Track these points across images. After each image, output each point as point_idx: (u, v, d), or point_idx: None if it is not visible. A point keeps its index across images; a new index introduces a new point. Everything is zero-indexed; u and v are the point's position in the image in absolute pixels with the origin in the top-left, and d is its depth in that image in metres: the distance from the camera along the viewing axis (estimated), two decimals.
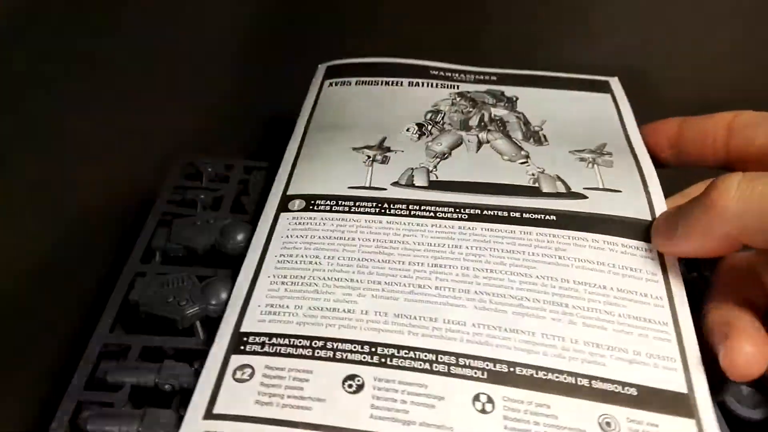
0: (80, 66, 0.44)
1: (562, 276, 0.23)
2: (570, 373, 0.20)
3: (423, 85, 0.33)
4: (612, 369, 0.21)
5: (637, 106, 0.32)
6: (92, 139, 0.39)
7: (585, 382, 0.20)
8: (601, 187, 0.27)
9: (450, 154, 0.29)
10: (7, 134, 0.39)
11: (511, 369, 0.20)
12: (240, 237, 0.26)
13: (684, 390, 0.20)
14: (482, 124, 0.30)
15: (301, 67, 0.34)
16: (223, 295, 0.24)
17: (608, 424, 0.19)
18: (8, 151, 0.38)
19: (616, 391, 0.20)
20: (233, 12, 0.47)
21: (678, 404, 0.20)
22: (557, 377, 0.20)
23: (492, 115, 0.31)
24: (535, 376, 0.20)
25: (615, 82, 0.33)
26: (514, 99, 0.32)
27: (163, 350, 0.23)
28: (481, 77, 0.33)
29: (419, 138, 0.29)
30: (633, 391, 0.20)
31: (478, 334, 0.21)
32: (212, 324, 0.24)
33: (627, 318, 0.22)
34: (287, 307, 0.22)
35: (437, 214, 0.26)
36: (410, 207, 0.26)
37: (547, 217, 0.25)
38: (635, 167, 0.28)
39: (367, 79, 0.33)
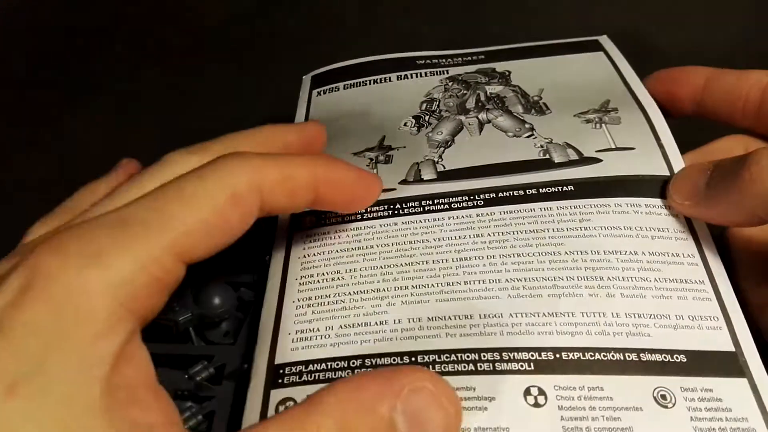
0: (80, 66, 0.44)
1: (592, 248, 0.22)
2: (617, 350, 0.20)
3: (412, 76, 0.32)
4: (658, 338, 0.20)
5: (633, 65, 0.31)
6: (92, 140, 0.39)
7: (633, 356, 0.20)
8: (613, 147, 0.26)
9: (453, 141, 0.28)
10: (7, 134, 0.39)
11: (558, 355, 0.20)
12: None
13: (731, 348, 0.20)
14: (479, 104, 0.29)
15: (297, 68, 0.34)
16: (217, 300, 0.24)
17: (663, 396, 0.19)
18: (8, 151, 0.38)
19: (666, 360, 0.19)
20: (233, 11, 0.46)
21: (728, 364, 0.19)
22: (605, 356, 0.20)
23: (488, 93, 0.30)
24: (582, 358, 0.20)
25: (605, 40, 0.32)
26: (507, 73, 0.31)
27: (157, 356, 0.23)
28: (469, 58, 0.32)
29: (418, 130, 0.29)
30: (682, 358, 0.20)
31: (517, 325, 0.21)
32: (207, 329, 0.24)
33: (664, 282, 0.21)
34: (318, 330, 0.22)
35: (452, 206, 0.25)
36: (423, 203, 0.25)
37: (565, 188, 0.25)
38: (645, 121, 0.27)
39: (355, 81, 0.32)
